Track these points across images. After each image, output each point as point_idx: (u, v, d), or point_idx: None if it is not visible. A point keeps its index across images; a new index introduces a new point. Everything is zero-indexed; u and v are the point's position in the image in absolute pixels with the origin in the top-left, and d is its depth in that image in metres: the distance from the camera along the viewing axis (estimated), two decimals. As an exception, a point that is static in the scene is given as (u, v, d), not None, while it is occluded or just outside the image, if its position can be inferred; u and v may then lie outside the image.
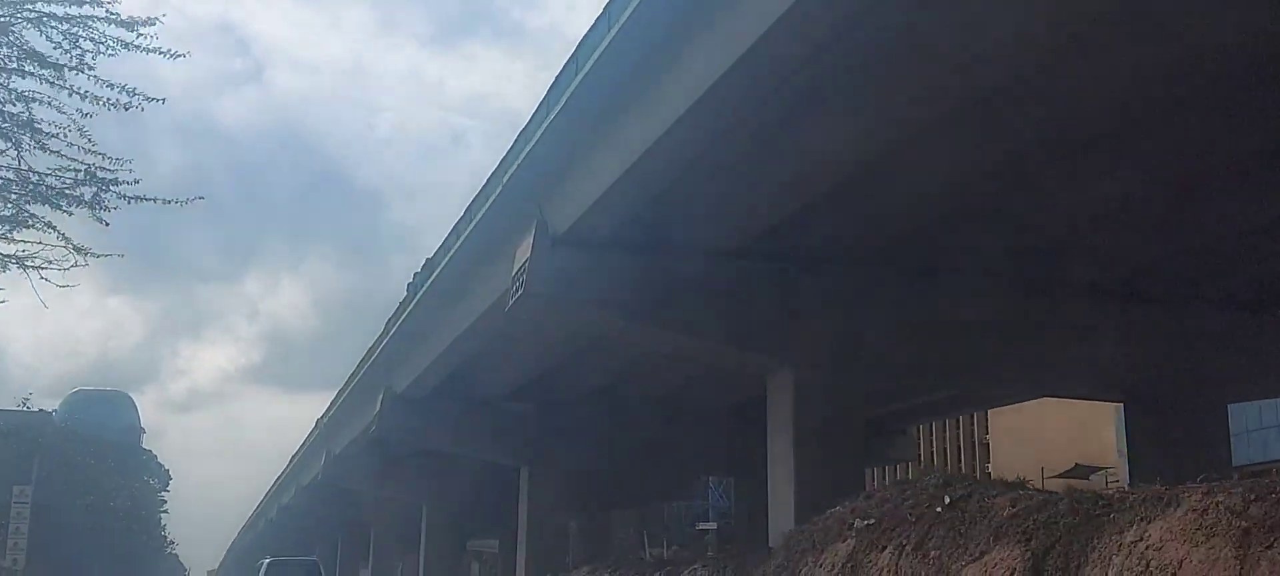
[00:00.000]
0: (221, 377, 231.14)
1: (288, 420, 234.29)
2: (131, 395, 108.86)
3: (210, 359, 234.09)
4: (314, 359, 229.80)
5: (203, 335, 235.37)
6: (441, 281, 26.54)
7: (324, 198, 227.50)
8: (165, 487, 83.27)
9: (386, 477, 43.30)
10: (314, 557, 46.46)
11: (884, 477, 43.64)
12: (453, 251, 25.16)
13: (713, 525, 51.99)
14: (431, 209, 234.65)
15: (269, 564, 40.69)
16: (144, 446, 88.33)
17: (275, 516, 72.23)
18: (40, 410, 59.03)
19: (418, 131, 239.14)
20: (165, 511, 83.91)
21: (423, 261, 29.00)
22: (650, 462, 37.05)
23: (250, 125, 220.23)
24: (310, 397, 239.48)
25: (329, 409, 47.69)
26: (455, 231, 25.29)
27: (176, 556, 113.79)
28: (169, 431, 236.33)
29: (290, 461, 63.89)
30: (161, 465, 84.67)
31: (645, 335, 21.06)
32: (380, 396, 33.88)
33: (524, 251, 19.33)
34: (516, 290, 19.39)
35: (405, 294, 31.20)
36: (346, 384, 42.14)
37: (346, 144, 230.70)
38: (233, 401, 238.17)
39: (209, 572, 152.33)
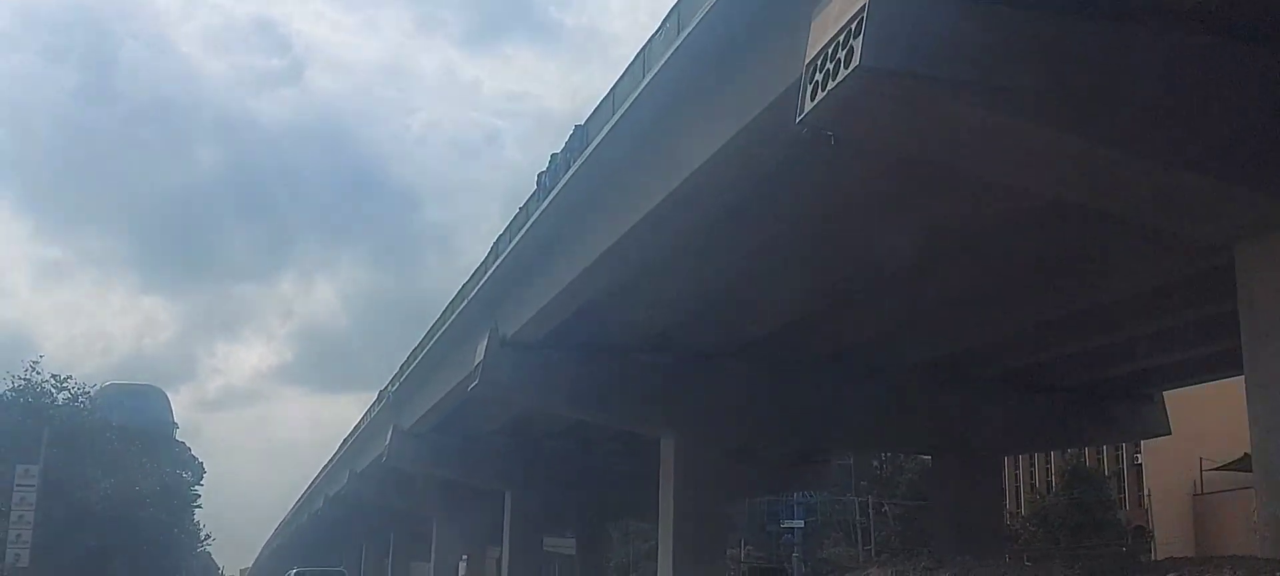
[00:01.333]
0: (255, 376, 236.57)
1: (321, 420, 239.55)
2: (165, 392, 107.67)
3: (244, 358, 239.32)
4: (347, 359, 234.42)
5: (237, 334, 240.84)
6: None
7: (359, 197, 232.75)
8: (199, 481, 76.69)
9: (467, 458, 40.91)
10: (341, 568, 50.14)
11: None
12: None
13: (799, 522, 50.14)
14: (466, 209, 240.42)
15: (297, 574, 46.02)
16: (178, 438, 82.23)
17: (322, 507, 72.12)
18: (53, 377, 48.12)
19: (453, 131, 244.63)
20: (199, 505, 77.39)
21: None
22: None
23: (288, 124, 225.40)
24: (343, 398, 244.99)
25: (396, 377, 43.19)
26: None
27: (210, 553, 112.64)
28: (203, 429, 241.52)
29: (342, 446, 62.23)
30: (195, 458, 79.14)
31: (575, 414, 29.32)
32: (481, 344, 27.62)
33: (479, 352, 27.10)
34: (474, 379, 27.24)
35: (489, 252, 29.08)
36: (426, 339, 36.82)
37: (382, 144, 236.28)
38: (266, 401, 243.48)
39: (241, 571, 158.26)
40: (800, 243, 19.55)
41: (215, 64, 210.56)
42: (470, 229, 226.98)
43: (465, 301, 29.84)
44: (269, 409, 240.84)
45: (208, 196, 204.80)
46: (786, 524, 49.26)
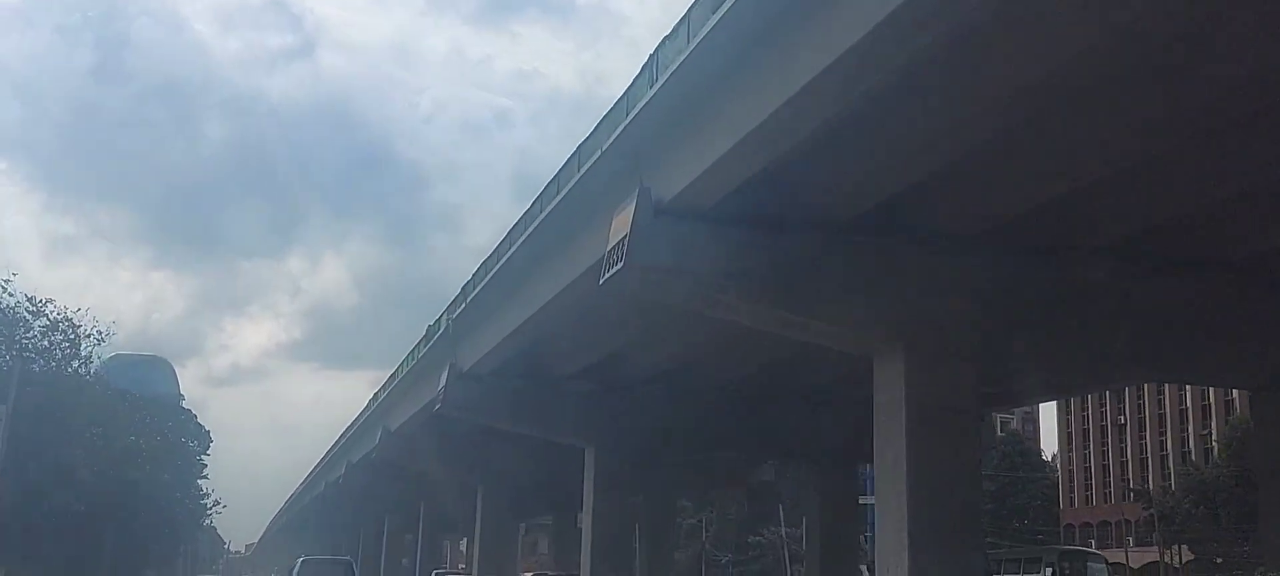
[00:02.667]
0: (263, 353, 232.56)
1: (328, 397, 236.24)
2: (171, 364, 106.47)
3: (252, 334, 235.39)
4: (355, 336, 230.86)
5: (245, 311, 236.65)
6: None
7: (368, 176, 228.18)
8: (205, 450, 71.68)
9: (539, 411, 33.95)
10: (347, 558, 46.73)
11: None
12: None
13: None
14: (474, 189, 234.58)
15: (303, 562, 41.01)
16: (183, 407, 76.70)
17: (344, 475, 67.25)
18: (29, 300, 37.15)
19: (462, 110, 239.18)
20: (206, 476, 72.65)
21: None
22: (717, 447, 37.04)
23: (298, 102, 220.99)
24: (351, 375, 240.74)
25: (457, 302, 35.09)
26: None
27: (216, 529, 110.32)
28: (210, 405, 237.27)
29: (371, 403, 55.24)
30: (202, 426, 73.90)
31: (752, 312, 19.97)
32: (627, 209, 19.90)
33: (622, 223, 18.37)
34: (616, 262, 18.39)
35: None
36: (517, 230, 29.08)
37: (391, 122, 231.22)
38: (274, 377, 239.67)
39: (247, 546, 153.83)
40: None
41: (227, 42, 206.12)
42: (478, 208, 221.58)
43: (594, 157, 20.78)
44: (276, 385, 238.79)
45: (217, 173, 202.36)
46: (863, 499, 43.46)
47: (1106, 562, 43.23)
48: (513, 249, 26.63)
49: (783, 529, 64.03)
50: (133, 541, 49.65)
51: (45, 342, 37.57)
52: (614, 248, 18.42)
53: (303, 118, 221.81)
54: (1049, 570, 37.39)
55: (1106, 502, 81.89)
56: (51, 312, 37.76)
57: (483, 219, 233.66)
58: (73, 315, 38.12)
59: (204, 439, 72.46)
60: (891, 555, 18.07)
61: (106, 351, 43.35)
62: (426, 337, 38.68)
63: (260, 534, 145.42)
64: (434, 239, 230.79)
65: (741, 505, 67.91)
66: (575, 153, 21.94)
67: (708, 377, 30.47)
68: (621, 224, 18.31)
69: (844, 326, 19.59)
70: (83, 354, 39.28)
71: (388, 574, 70.96)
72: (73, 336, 38.34)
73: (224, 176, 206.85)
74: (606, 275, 18.66)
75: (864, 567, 41.68)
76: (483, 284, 30.13)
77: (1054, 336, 19.97)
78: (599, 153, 19.95)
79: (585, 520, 33.16)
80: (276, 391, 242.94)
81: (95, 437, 39.74)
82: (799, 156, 16.35)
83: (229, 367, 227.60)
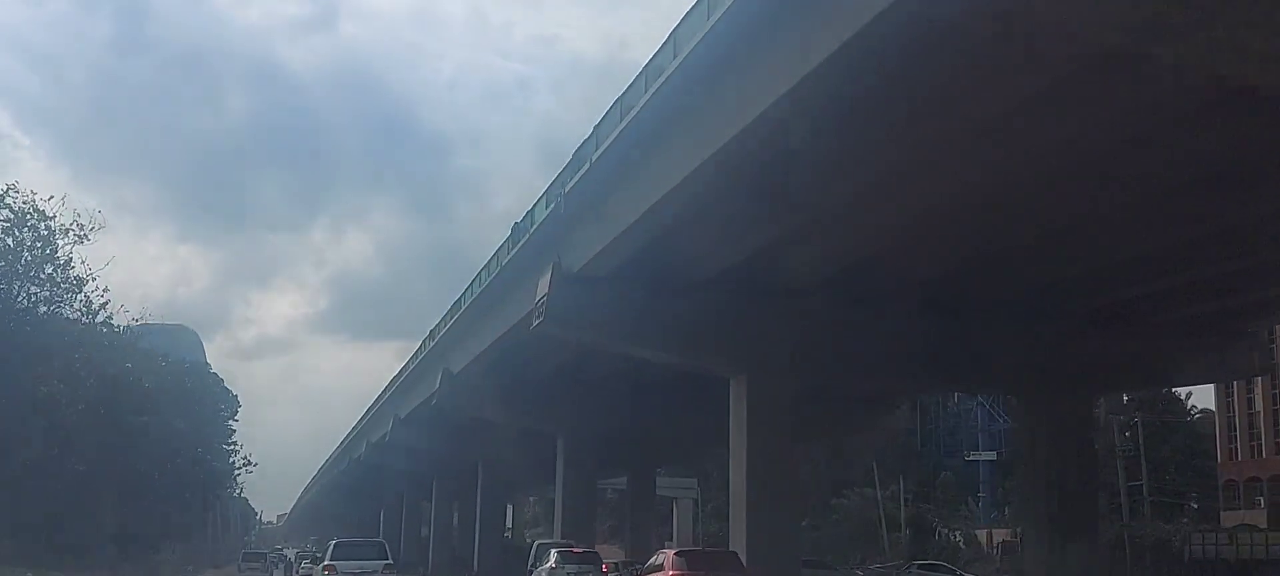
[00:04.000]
0: (289, 325, 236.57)
1: (356, 367, 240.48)
2: (198, 334, 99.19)
3: (278, 306, 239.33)
4: (380, 307, 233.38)
5: (270, 283, 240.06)
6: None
7: (390, 145, 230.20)
8: (233, 415, 67.82)
9: (517, 401, 38.51)
10: (380, 539, 47.14)
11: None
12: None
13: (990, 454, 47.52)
14: (496, 156, 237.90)
15: (336, 544, 44.18)
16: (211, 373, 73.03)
17: (364, 453, 67.32)
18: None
19: (484, 77, 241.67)
20: (234, 445, 69.71)
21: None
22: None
23: (319, 72, 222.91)
24: (378, 346, 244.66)
25: (446, 319, 38.31)
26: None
27: (247, 499, 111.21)
28: (238, 379, 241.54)
29: (388, 388, 57.61)
30: (229, 390, 69.47)
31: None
32: (544, 278, 26.13)
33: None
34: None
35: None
36: (481, 276, 33.04)
37: (413, 90, 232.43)
38: (300, 349, 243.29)
39: (278, 516, 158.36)
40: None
41: (247, 12, 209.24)
42: (501, 175, 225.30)
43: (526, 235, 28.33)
44: (303, 357, 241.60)
45: (240, 145, 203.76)
46: (972, 456, 44.80)
47: None
48: (474, 295, 34.34)
49: (877, 490, 55.39)
50: (145, 506, 43.96)
51: (8, 241, 30.79)
52: (537, 304, 25.98)
53: (324, 87, 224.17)
54: None
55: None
56: (15, 203, 30.43)
57: (505, 184, 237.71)
58: (45, 204, 31.14)
59: (231, 403, 68.61)
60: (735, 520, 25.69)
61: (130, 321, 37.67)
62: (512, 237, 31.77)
63: (291, 505, 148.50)
64: (459, 207, 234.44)
65: (817, 466, 57.29)
66: (511, 232, 29.65)
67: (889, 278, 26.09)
68: (541, 287, 25.80)
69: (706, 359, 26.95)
70: (59, 258, 31.54)
71: (438, 538, 65.51)
72: (46, 233, 31.01)
73: (247, 148, 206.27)
74: (534, 324, 26.29)
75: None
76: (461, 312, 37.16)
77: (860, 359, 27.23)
78: (527, 235, 27.79)
79: (735, 472, 26.55)
80: (304, 363, 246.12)
81: (77, 366, 32.01)
82: (666, 237, 22.56)
83: (255, 340, 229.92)
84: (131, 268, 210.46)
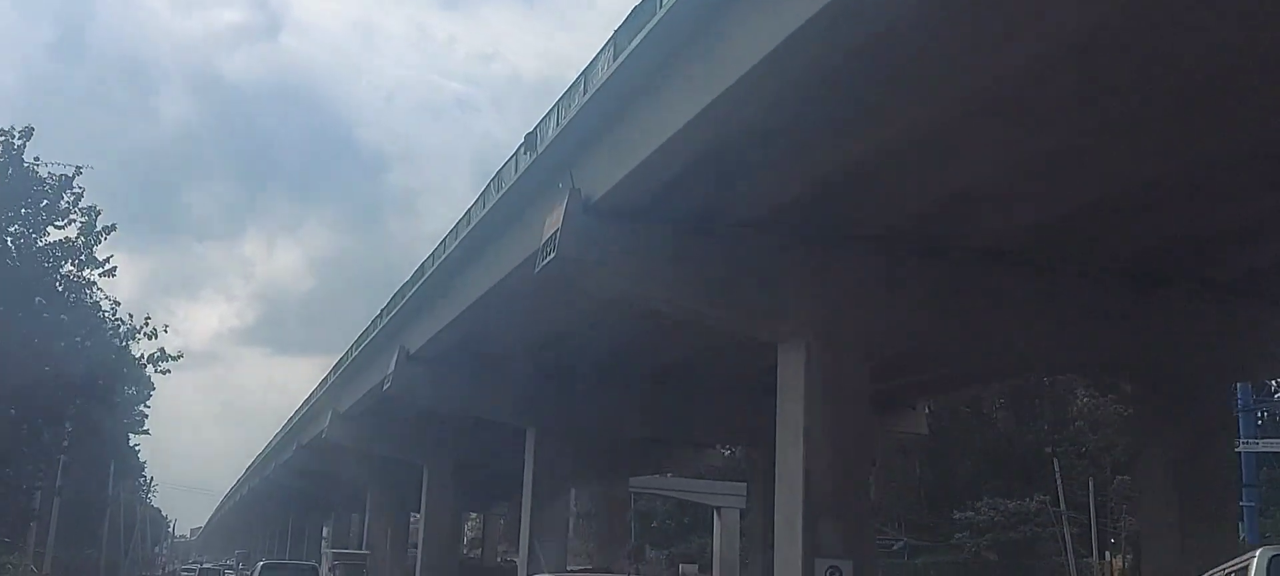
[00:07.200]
0: (214, 338, 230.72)
1: (280, 382, 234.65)
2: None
3: (204, 318, 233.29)
4: (309, 322, 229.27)
5: (198, 294, 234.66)
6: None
7: (326, 159, 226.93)
8: (145, 402, 56.62)
9: (485, 389, 34.47)
10: (312, 563, 45.59)
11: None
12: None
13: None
14: (433, 174, 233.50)
15: (264, 566, 40.80)
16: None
17: (293, 455, 64.12)
18: None
19: (423, 93, 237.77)
20: (145, 432, 59.00)
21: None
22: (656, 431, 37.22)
23: (258, 83, 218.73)
24: (304, 361, 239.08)
25: (408, 286, 34.56)
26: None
27: (159, 509, 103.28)
28: (160, 389, 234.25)
29: (321, 385, 53.43)
30: (143, 369, 61.29)
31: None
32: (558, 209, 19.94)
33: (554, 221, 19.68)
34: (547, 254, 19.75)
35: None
36: (458, 228, 28.35)
37: (351, 105, 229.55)
38: (224, 362, 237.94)
39: (193, 530, 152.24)
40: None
41: (188, 21, 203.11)
42: (436, 193, 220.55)
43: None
44: (227, 371, 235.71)
45: (174, 154, 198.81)
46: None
47: None
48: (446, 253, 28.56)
49: (1060, 503, 44.49)
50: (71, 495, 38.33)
51: None
52: (544, 244, 19.94)
53: (263, 99, 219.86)
54: None
55: None
56: None
57: (439, 204, 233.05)
58: None
59: (144, 386, 52.26)
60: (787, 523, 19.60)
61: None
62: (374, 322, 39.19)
63: (206, 519, 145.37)
64: (392, 224, 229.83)
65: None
66: (512, 155, 23.08)
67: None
68: (547, 224, 19.87)
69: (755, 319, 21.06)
70: None
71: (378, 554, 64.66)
72: None
73: (181, 157, 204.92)
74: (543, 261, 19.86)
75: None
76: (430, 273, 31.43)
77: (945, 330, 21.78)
78: (535, 154, 21.44)
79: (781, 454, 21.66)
80: (227, 377, 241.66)
81: None
82: (710, 161, 17.44)
83: (179, 352, 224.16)
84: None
